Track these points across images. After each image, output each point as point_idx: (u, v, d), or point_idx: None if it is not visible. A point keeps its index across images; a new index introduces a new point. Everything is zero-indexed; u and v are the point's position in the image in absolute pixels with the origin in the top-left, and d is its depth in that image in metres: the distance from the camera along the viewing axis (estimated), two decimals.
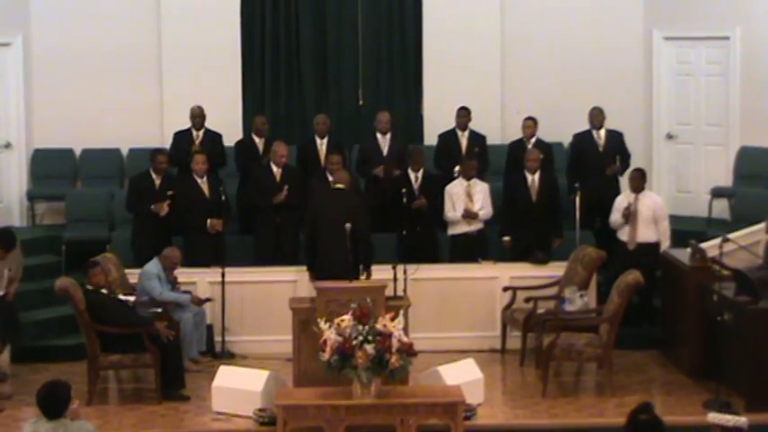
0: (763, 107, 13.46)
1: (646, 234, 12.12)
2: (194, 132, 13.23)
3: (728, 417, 6.59)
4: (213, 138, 13.26)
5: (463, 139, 13.41)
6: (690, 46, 14.12)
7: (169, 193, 12.30)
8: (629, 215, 12.11)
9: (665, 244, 12.11)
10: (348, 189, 11.46)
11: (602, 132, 13.25)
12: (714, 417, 6.63)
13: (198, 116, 13.20)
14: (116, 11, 14.05)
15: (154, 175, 12.45)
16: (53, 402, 6.93)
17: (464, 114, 13.42)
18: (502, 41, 14.31)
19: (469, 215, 12.49)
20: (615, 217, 12.26)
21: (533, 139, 13.30)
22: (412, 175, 12.72)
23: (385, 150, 13.25)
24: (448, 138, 13.50)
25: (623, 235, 12.19)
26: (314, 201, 11.66)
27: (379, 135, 13.30)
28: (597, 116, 13.23)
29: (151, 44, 14.13)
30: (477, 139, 13.46)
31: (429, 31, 14.35)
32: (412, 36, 14.47)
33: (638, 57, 14.30)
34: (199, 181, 12.40)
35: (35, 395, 7.07)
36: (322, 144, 13.22)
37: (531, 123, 13.35)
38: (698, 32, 13.94)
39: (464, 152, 13.26)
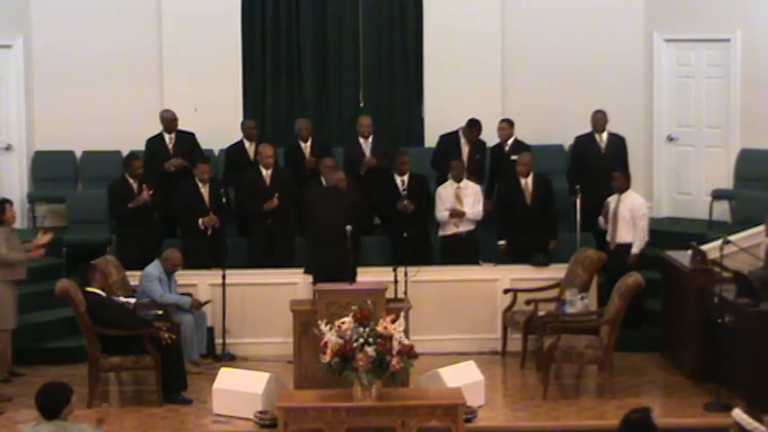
0: (763, 109, 13.45)
1: (624, 235, 12.12)
2: (166, 136, 13.23)
3: (752, 422, 6.57)
4: (186, 138, 13.26)
5: (465, 146, 13.30)
6: (690, 48, 14.11)
7: (150, 192, 12.31)
8: (607, 214, 12.13)
9: (637, 245, 12.07)
10: (340, 188, 11.51)
11: (605, 136, 13.24)
12: (739, 415, 6.62)
13: (171, 120, 13.19)
14: (117, 13, 14.06)
15: (131, 180, 12.47)
16: (49, 402, 6.93)
17: (477, 127, 13.18)
18: (503, 44, 14.31)
19: (456, 214, 12.45)
20: (600, 218, 12.31)
21: (510, 141, 13.27)
22: (398, 180, 12.70)
23: (368, 154, 13.22)
24: (449, 141, 13.42)
25: (608, 235, 12.23)
26: (307, 201, 11.71)
27: (361, 139, 13.28)
28: (600, 119, 13.22)
29: (152, 46, 14.13)
30: (479, 146, 13.37)
31: (430, 33, 14.34)
32: (412, 38, 14.47)
33: (638, 59, 14.29)
34: (200, 185, 12.41)
35: (34, 396, 7.07)
36: (306, 147, 13.22)
37: (505, 125, 13.29)
38: (698, 34, 13.93)
39: (466, 158, 13.19)
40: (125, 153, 14.02)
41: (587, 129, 13.35)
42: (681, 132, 14.24)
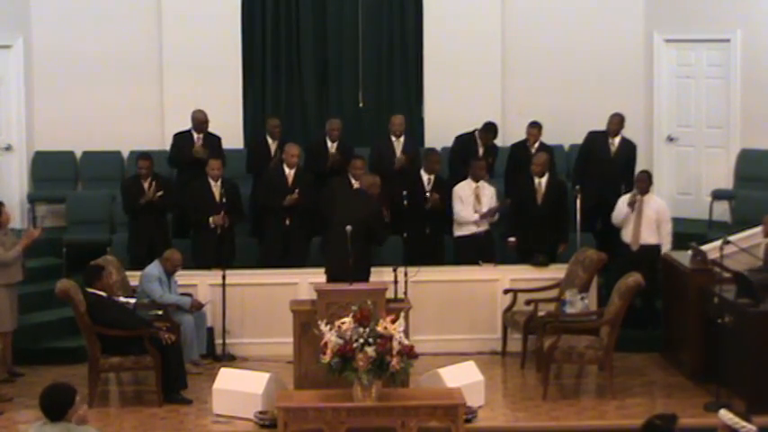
0: (763, 109, 13.46)
1: (648, 236, 12.12)
2: (195, 135, 13.23)
3: (741, 422, 6.55)
4: (213, 141, 13.26)
5: (480, 148, 13.27)
6: (690, 48, 14.12)
7: (159, 194, 12.32)
8: (634, 204, 12.06)
9: (667, 247, 12.11)
10: (366, 192, 11.44)
11: (617, 140, 13.18)
12: (726, 416, 6.60)
13: (203, 122, 13.15)
14: (117, 13, 14.07)
15: (142, 180, 12.50)
16: (54, 404, 6.93)
17: (494, 132, 13.22)
18: (503, 44, 14.32)
19: (490, 212, 12.42)
20: (619, 210, 12.20)
21: (537, 144, 13.28)
22: (425, 177, 12.70)
23: (398, 153, 13.21)
24: (466, 141, 13.37)
25: (626, 236, 12.19)
26: (329, 197, 11.69)
27: (393, 138, 13.26)
28: (617, 124, 13.10)
29: (152, 46, 14.14)
30: (494, 150, 13.36)
31: (430, 34, 14.35)
32: (412, 39, 14.48)
33: (638, 59, 14.30)
34: (212, 184, 12.42)
35: (39, 397, 7.06)
36: (332, 147, 13.21)
37: (536, 131, 13.24)
38: (698, 35, 13.95)
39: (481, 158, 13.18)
40: (125, 153, 14.10)
41: (587, 129, 13.33)
42: (681, 132, 14.25)
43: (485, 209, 12.51)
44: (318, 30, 14.48)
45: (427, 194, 12.54)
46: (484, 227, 12.57)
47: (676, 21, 14.07)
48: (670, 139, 14.28)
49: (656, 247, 12.10)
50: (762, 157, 13.46)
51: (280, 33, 14.46)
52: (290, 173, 12.58)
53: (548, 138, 13.53)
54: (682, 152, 14.27)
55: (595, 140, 13.28)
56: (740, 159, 13.68)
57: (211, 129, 13.29)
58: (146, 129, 13.72)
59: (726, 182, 13.79)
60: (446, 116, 13.72)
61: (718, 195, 13.69)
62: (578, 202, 12.37)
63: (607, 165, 13.08)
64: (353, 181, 12.22)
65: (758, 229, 11.61)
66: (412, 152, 13.17)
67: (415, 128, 14.43)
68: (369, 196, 11.40)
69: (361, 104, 14.35)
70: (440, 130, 13.75)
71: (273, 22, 14.43)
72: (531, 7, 14.32)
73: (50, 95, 14.10)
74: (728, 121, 13.86)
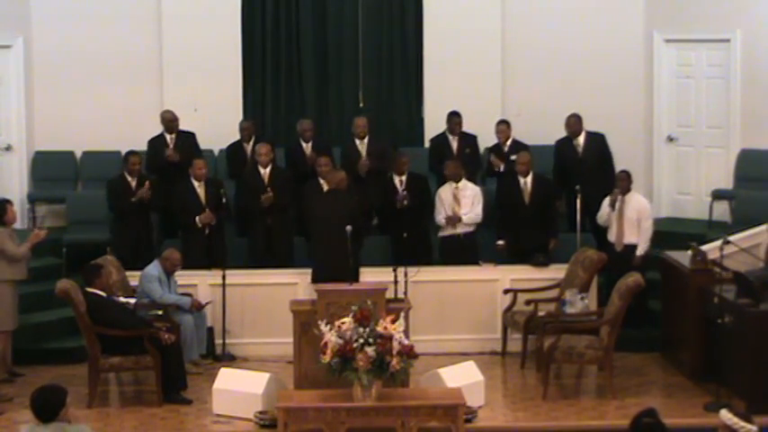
0: (763, 109, 13.46)
1: (631, 235, 12.12)
2: (167, 136, 13.26)
3: (741, 423, 6.55)
4: (186, 138, 13.29)
5: (454, 142, 13.38)
6: (690, 48, 14.11)
7: (146, 184, 12.35)
8: (615, 203, 12.07)
9: (643, 246, 12.09)
10: (341, 190, 11.53)
11: (581, 138, 13.16)
12: (726, 416, 6.60)
13: (171, 120, 13.23)
14: (117, 13, 14.07)
15: (129, 178, 12.52)
16: (45, 406, 6.93)
17: (456, 121, 13.36)
18: (503, 44, 14.31)
19: (450, 221, 12.46)
20: (603, 211, 12.24)
21: (509, 142, 13.29)
22: (396, 180, 12.70)
23: (364, 155, 13.23)
24: (439, 142, 13.50)
25: (611, 236, 12.21)
26: (306, 203, 11.77)
27: (357, 140, 13.29)
28: (573, 125, 13.11)
29: (152, 46, 14.13)
30: (468, 140, 13.43)
31: (430, 33, 14.35)
32: (412, 38, 14.48)
33: (638, 59, 14.29)
34: (195, 184, 12.43)
35: (30, 399, 7.06)
36: (308, 147, 13.23)
37: (504, 127, 13.33)
38: (698, 35, 13.94)
39: (455, 155, 13.23)
40: (125, 153, 14.06)
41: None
42: (681, 132, 14.24)
43: (464, 210, 12.50)
44: (318, 30, 14.48)
45: (399, 194, 12.52)
46: (463, 228, 12.54)
47: (676, 21, 14.06)
48: (670, 139, 14.27)
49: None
50: (762, 157, 13.45)
51: (280, 33, 14.47)
52: (265, 172, 12.62)
53: (547, 138, 13.54)
54: (681, 152, 14.26)
55: (562, 147, 13.28)
56: (740, 159, 13.67)
57: (211, 128, 13.31)
58: (146, 129, 13.69)
59: (726, 182, 13.78)
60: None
61: (718, 195, 13.67)
62: (578, 202, 12.38)
63: (579, 165, 13.06)
64: (320, 180, 12.24)
65: (758, 228, 11.61)
66: (375, 155, 13.12)
67: (415, 128, 14.47)
68: (341, 193, 11.46)
69: (361, 104, 14.34)
70: (440, 130, 13.74)
71: (273, 22, 14.43)
72: (531, 7, 14.31)
73: (50, 95, 14.10)
74: (728, 121, 13.85)
